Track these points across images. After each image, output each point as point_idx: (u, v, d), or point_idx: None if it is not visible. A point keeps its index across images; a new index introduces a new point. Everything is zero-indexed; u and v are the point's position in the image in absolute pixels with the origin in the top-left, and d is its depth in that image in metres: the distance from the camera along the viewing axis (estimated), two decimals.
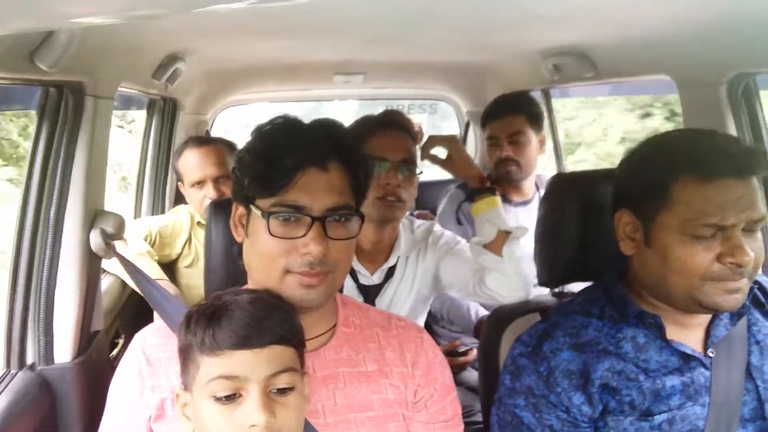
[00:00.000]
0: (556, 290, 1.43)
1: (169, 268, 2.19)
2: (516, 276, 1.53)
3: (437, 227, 1.75)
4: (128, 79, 1.83)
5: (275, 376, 0.87)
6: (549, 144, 2.83)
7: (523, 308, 1.35)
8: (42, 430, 1.39)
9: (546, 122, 2.76)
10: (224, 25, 1.60)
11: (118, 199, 4.41)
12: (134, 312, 2.10)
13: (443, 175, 1.84)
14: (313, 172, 0.97)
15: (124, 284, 2.06)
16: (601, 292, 1.17)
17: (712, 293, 1.02)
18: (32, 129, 1.48)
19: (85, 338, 1.57)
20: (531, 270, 1.51)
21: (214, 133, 3.25)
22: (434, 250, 1.68)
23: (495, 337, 1.30)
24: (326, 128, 1.04)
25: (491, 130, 2.17)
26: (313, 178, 0.97)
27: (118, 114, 3.56)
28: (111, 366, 1.66)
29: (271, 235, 0.97)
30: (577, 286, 1.31)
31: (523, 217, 2.07)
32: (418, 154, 1.68)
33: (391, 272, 1.67)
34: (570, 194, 1.32)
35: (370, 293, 1.66)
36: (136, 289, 1.57)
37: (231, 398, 0.86)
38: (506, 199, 2.12)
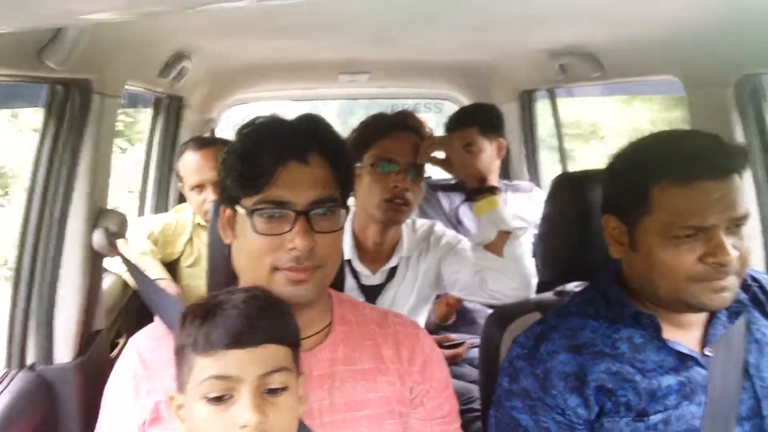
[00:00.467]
0: (558, 289, 1.42)
1: (171, 267, 2.19)
2: (518, 276, 1.53)
3: (438, 226, 1.74)
4: (135, 77, 1.83)
5: (268, 375, 0.86)
6: (553, 144, 2.84)
7: (524, 307, 1.34)
8: (42, 430, 1.39)
9: (551, 122, 2.78)
10: (230, 23, 1.60)
11: None
12: (136, 311, 2.10)
13: (443, 175, 1.83)
14: (293, 167, 0.97)
15: (125, 283, 2.05)
16: (598, 293, 1.17)
17: (698, 293, 1.02)
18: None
19: (86, 338, 1.57)
20: (531, 266, 1.51)
21: (220, 132, 3.26)
22: (436, 250, 1.68)
23: (496, 336, 1.30)
24: (306, 122, 1.03)
25: None
26: (294, 173, 0.97)
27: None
28: (111, 366, 1.66)
29: (257, 232, 0.97)
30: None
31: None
32: None
33: (392, 272, 1.67)
34: (573, 193, 1.32)
35: (371, 293, 1.66)
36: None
37: (222, 399, 0.85)
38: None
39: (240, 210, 0.99)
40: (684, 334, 1.11)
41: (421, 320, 1.77)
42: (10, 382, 1.39)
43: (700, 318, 1.12)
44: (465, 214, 2.29)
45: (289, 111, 1.10)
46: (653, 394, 1.05)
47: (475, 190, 1.62)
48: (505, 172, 2.76)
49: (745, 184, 1.55)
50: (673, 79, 1.69)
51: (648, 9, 1.40)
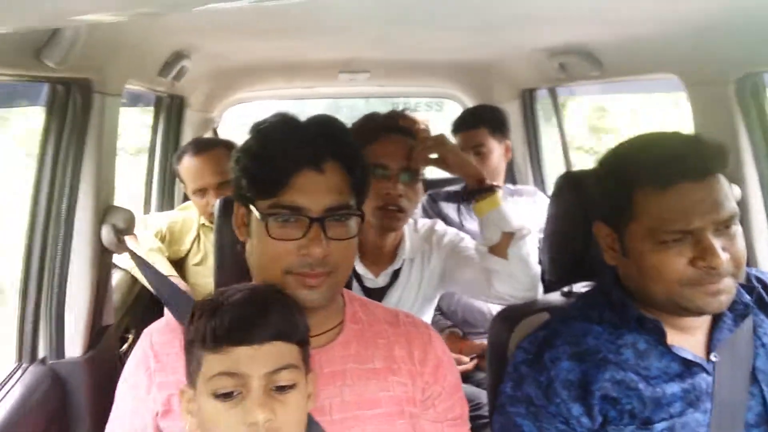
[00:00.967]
0: (565, 290, 1.41)
1: (179, 266, 2.19)
2: (524, 276, 1.49)
3: (440, 225, 1.70)
4: (135, 76, 1.83)
5: (276, 373, 0.86)
6: (557, 139, 2.82)
7: (531, 308, 1.33)
8: (53, 423, 1.41)
9: (554, 121, 2.77)
10: (230, 23, 1.60)
11: None
12: (144, 307, 2.11)
13: (443, 174, 1.80)
14: (308, 174, 0.97)
15: (134, 279, 2.06)
16: (601, 296, 1.15)
17: (693, 297, 1.01)
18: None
19: (96, 333, 1.58)
20: (537, 267, 1.49)
21: (222, 131, 3.26)
22: (439, 250, 1.65)
23: (503, 337, 1.28)
24: (322, 127, 1.02)
25: (458, 142, 2.29)
26: (309, 180, 0.96)
27: None
28: (121, 361, 1.67)
29: (270, 237, 0.96)
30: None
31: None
32: None
33: (396, 275, 1.64)
34: (578, 193, 1.31)
35: (375, 297, 1.62)
36: (146, 284, 1.58)
37: (231, 396, 0.85)
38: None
39: (254, 211, 0.99)
40: (688, 339, 1.09)
41: (427, 320, 1.76)
42: (22, 375, 1.41)
43: (704, 322, 1.10)
44: (469, 222, 2.20)
45: (286, 109, 1.08)
46: (658, 402, 1.03)
47: (475, 190, 1.57)
48: (509, 173, 2.72)
49: (751, 184, 1.55)
50: (673, 77, 1.69)
51: (648, 8, 1.40)
